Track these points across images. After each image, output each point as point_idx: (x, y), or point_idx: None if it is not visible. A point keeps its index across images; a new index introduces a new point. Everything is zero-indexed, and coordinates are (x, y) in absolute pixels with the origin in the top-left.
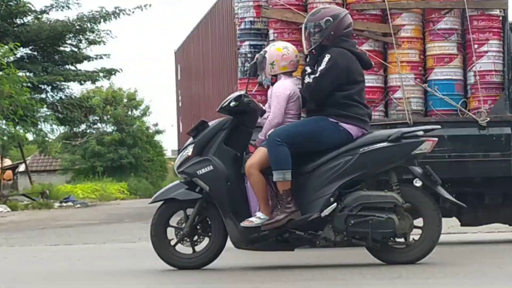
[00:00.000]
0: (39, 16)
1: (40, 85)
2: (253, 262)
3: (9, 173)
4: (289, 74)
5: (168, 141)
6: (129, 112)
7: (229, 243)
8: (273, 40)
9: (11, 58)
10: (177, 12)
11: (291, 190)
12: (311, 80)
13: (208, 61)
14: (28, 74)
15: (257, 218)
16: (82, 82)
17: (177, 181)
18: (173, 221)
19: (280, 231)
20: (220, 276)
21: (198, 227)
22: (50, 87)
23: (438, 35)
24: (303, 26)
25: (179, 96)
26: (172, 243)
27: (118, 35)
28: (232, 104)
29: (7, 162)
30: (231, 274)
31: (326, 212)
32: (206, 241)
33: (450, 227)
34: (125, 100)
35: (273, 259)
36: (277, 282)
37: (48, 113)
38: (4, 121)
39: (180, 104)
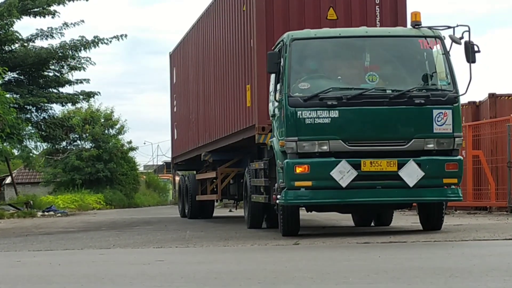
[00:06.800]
0: (26, 44)
1: (25, 106)
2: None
3: None
4: None
5: (141, 157)
6: (106, 131)
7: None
8: None
9: (0, 82)
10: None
11: None
12: None
13: (209, 61)
14: (15, 96)
15: None
16: (64, 103)
17: None
18: None
19: None
20: (189, 276)
21: None
22: (34, 108)
23: None
24: None
25: (173, 101)
26: None
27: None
28: None
29: None
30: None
31: None
32: None
33: (391, 237)
34: (102, 120)
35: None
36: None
37: (33, 131)
38: None
39: (175, 110)
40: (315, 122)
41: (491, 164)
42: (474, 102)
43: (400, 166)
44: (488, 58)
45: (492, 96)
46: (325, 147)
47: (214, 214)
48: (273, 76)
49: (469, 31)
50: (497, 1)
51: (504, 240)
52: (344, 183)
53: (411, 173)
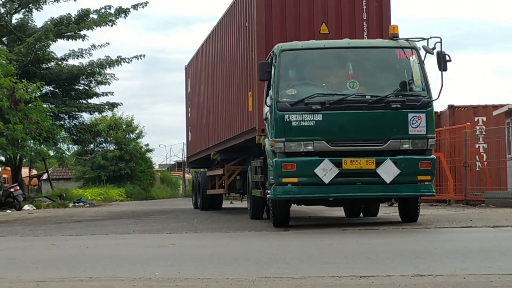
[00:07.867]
0: (60, 62)
1: (60, 114)
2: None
3: (35, 180)
4: None
5: (156, 157)
6: (127, 135)
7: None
8: None
9: (38, 94)
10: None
11: None
12: None
13: (217, 71)
14: (51, 106)
15: None
16: (92, 112)
17: None
18: None
19: None
20: (197, 258)
21: None
22: (67, 116)
23: None
24: None
25: (188, 108)
26: None
27: (120, 77)
28: None
29: (34, 172)
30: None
31: None
32: None
33: (366, 226)
34: (124, 126)
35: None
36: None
37: (66, 135)
38: (32, 141)
39: (189, 115)
40: (301, 124)
41: (450, 164)
42: (435, 112)
43: (378, 164)
44: (449, 75)
45: (451, 107)
46: (309, 147)
47: (222, 206)
48: (266, 83)
49: (441, 42)
50: (459, 27)
51: (461, 228)
52: (327, 180)
53: (388, 171)
